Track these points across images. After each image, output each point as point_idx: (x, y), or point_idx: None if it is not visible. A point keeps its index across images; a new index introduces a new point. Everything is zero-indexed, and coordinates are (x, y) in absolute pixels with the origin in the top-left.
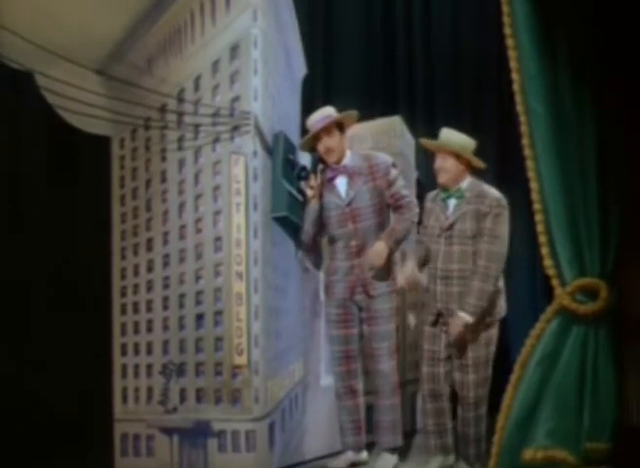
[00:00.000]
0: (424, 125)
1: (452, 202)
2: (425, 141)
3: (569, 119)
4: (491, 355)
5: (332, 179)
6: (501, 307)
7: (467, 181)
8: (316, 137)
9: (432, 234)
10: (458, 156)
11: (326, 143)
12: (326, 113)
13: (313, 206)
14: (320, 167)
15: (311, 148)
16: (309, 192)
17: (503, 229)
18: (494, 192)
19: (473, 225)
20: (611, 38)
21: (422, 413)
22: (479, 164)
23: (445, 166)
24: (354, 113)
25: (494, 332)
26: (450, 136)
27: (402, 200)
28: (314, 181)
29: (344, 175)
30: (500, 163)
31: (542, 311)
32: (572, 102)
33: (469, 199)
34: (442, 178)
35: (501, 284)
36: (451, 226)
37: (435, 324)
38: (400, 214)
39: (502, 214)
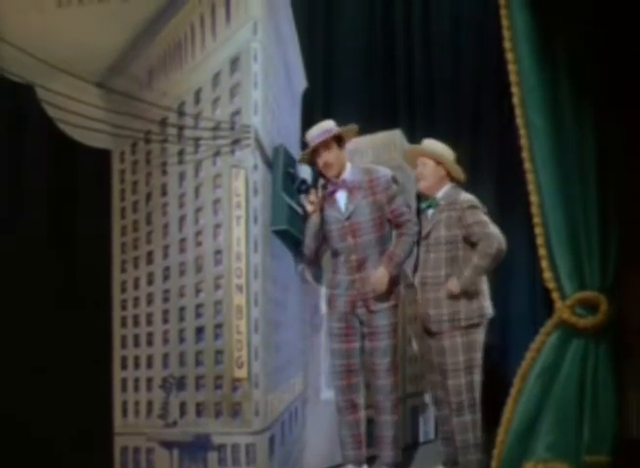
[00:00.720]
0: (424, 138)
1: (430, 211)
2: (410, 147)
3: (569, 132)
4: (475, 361)
5: (332, 193)
6: (481, 310)
7: (444, 190)
8: (315, 152)
9: (420, 244)
10: (437, 162)
11: (324, 158)
12: (325, 127)
13: (314, 220)
14: (321, 182)
15: (311, 162)
16: (309, 207)
17: (485, 217)
18: (465, 196)
19: (447, 232)
20: (611, 50)
21: (435, 420)
22: (459, 174)
23: (424, 172)
24: (354, 127)
25: (476, 338)
26: (430, 144)
27: (401, 217)
28: (314, 196)
29: (344, 190)
30: (500, 175)
31: (542, 324)
32: (571, 115)
33: (442, 207)
34: (421, 185)
35: (484, 287)
36: (428, 235)
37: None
38: (399, 234)
39: (477, 212)
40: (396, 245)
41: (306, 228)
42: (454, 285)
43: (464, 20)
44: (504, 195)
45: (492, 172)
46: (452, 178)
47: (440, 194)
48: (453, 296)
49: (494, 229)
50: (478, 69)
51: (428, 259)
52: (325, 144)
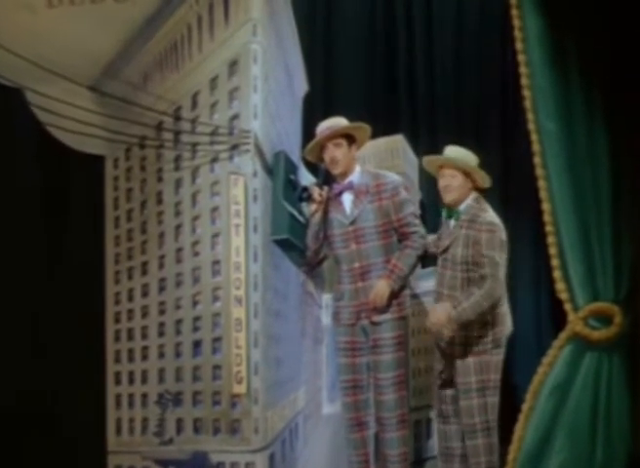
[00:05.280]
0: (427, 144)
1: (452, 223)
2: (433, 158)
3: (581, 137)
4: (489, 383)
5: (338, 195)
6: (495, 335)
7: (467, 203)
8: (323, 147)
9: (438, 257)
10: (466, 174)
11: (331, 153)
12: (335, 122)
13: (315, 219)
14: (326, 188)
15: (318, 158)
16: (312, 206)
17: (499, 253)
18: (487, 215)
19: (464, 252)
20: (624, 53)
21: (436, 435)
22: (486, 182)
23: (453, 184)
24: (365, 126)
25: (491, 359)
26: (458, 152)
27: (407, 228)
28: (318, 195)
29: (350, 192)
30: (505, 183)
31: (548, 339)
32: (584, 120)
33: (462, 223)
34: (449, 198)
35: (504, 309)
36: (446, 249)
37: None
38: (404, 246)
39: (495, 238)
40: (399, 257)
41: (308, 228)
42: (443, 313)
43: (467, 25)
44: (509, 206)
45: (495, 181)
46: (475, 188)
47: (463, 206)
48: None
49: (501, 273)
50: (481, 74)
51: (445, 276)
52: (333, 139)
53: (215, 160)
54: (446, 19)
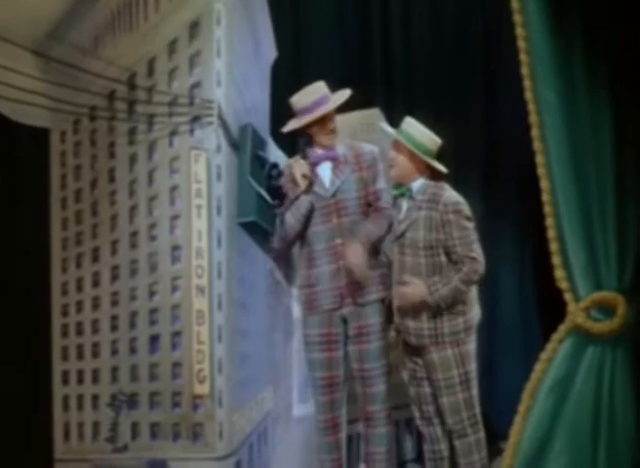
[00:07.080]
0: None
1: (404, 204)
2: (386, 129)
3: (583, 107)
4: (469, 375)
5: (315, 165)
6: (467, 323)
7: (420, 182)
8: (318, 120)
9: (391, 240)
10: (411, 154)
11: (332, 124)
12: (325, 92)
13: (306, 197)
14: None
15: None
16: (301, 182)
17: (469, 230)
18: (449, 195)
19: (427, 235)
20: (630, 18)
21: (422, 439)
22: (438, 167)
23: (397, 159)
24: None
25: (468, 348)
26: (410, 129)
27: (380, 202)
28: (306, 168)
29: (328, 163)
30: (486, 164)
31: (533, 334)
32: (586, 88)
33: (420, 203)
34: (392, 173)
35: (472, 294)
36: (403, 234)
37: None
38: (374, 217)
39: (463, 217)
40: (371, 222)
41: (294, 207)
42: (417, 291)
43: None
44: (491, 193)
45: (477, 164)
46: (432, 170)
47: (416, 186)
48: (430, 310)
49: (477, 250)
50: (463, 41)
51: (405, 262)
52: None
53: (174, 133)
54: None
